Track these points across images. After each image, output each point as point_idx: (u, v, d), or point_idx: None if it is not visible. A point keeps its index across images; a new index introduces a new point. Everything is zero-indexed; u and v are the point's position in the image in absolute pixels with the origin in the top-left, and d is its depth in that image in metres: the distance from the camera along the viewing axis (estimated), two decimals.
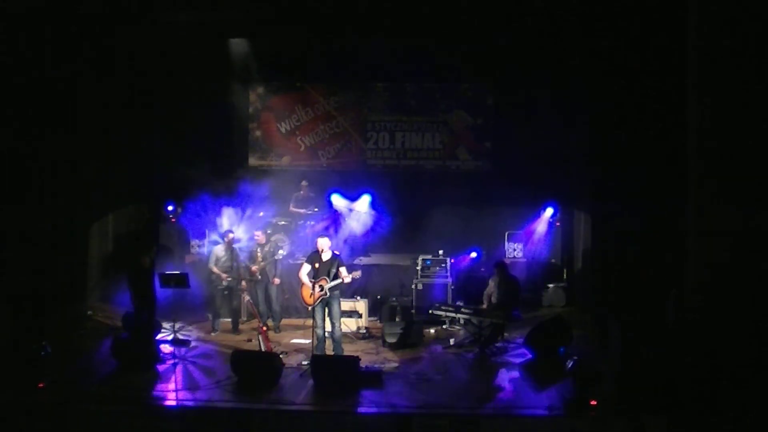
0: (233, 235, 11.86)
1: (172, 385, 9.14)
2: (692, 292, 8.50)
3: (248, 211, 13.15)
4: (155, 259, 10.96)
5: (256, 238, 11.93)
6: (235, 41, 13.49)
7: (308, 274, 9.96)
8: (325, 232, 12.00)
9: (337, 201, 13.59)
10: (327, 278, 9.80)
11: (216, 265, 11.52)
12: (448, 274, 12.61)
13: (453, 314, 11.37)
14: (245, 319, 12.46)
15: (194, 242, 13.52)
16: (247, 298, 11.93)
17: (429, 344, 11.09)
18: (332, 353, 9.94)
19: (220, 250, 11.65)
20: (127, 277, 10.71)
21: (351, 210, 13.54)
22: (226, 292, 11.62)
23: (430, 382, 9.28)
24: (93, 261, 13.47)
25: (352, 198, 13.61)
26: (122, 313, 11.81)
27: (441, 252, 12.70)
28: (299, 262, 11.20)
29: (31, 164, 11.00)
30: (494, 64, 13.83)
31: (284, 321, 12.20)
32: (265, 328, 10.32)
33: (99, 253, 13.56)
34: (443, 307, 11.46)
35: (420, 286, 12.47)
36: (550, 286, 13.59)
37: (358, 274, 10.14)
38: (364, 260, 13.10)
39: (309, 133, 14.93)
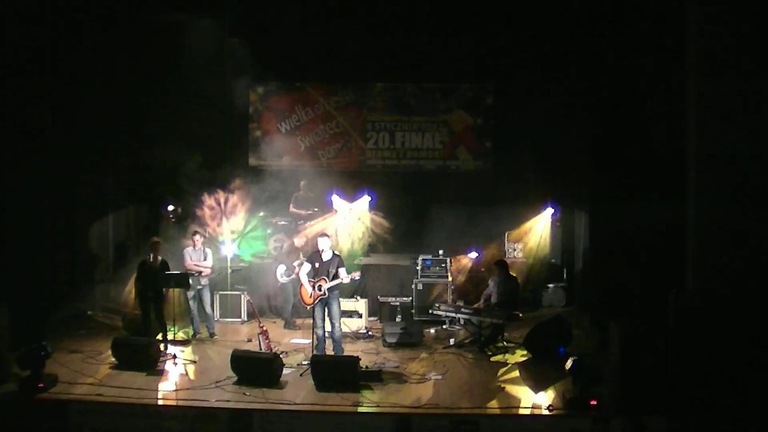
0: (199, 236, 11.47)
1: (172, 385, 9.16)
2: (692, 293, 8.50)
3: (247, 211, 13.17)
4: (165, 258, 10.92)
5: (296, 242, 11.96)
6: (235, 41, 13.49)
7: (308, 274, 9.97)
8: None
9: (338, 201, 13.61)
10: (326, 278, 9.80)
11: (191, 264, 11.20)
12: (449, 274, 12.61)
13: (453, 314, 11.37)
14: (245, 319, 12.48)
15: None
16: (247, 298, 11.95)
17: (429, 344, 11.09)
18: (332, 353, 9.94)
19: (191, 251, 11.29)
20: (136, 277, 10.71)
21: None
22: (194, 294, 11.31)
23: (430, 382, 9.28)
24: (93, 261, 13.48)
25: (352, 198, 13.60)
26: (122, 313, 11.85)
27: (441, 252, 12.69)
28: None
29: (30, 164, 11.00)
30: (494, 64, 13.82)
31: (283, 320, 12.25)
32: (265, 328, 10.32)
33: (99, 253, 13.56)
34: (443, 307, 11.46)
35: (420, 286, 12.47)
36: (550, 286, 13.61)
37: (357, 274, 10.14)
38: (364, 260, 13.10)
39: (309, 133, 14.93)
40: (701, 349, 8.08)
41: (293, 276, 11.52)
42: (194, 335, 11.34)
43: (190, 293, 11.21)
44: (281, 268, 11.80)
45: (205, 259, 11.33)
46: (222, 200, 13.07)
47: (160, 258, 10.70)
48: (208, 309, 11.41)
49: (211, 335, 11.36)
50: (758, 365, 7.97)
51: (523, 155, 13.82)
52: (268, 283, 12.50)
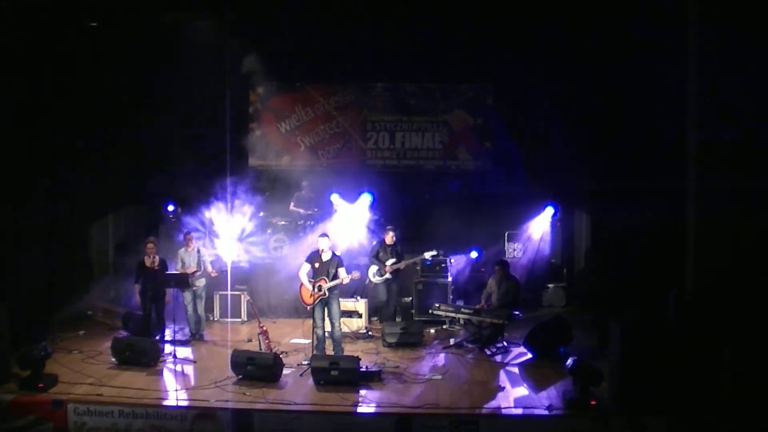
0: (194, 235, 11.42)
1: (172, 385, 9.15)
2: (692, 292, 8.50)
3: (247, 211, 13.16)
4: (162, 258, 10.91)
5: (385, 237, 11.78)
6: (235, 41, 13.48)
7: (308, 274, 9.97)
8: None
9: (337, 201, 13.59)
10: (326, 278, 9.80)
11: (182, 269, 11.08)
12: (448, 274, 12.61)
13: (453, 314, 11.36)
14: (245, 319, 12.49)
15: None
16: (247, 298, 11.94)
17: (429, 344, 11.09)
18: (332, 353, 9.94)
19: (183, 253, 11.21)
20: (135, 277, 10.72)
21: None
22: (192, 296, 11.23)
23: (430, 382, 9.28)
24: (93, 261, 13.49)
25: (352, 198, 13.58)
26: (122, 313, 11.85)
27: (441, 252, 12.67)
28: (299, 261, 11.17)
29: (31, 164, 11.01)
30: (494, 64, 13.81)
31: (283, 320, 12.25)
32: (265, 328, 10.32)
33: (99, 253, 13.55)
34: (443, 307, 11.45)
35: (420, 286, 12.47)
36: (550, 286, 13.60)
37: (357, 275, 10.14)
38: (363, 261, 13.09)
39: (309, 133, 14.92)
40: (701, 348, 8.09)
41: (387, 276, 11.52)
42: (193, 335, 11.34)
43: (189, 295, 11.19)
44: (373, 269, 11.68)
45: (199, 262, 11.22)
46: (221, 200, 13.06)
47: (158, 258, 10.68)
48: (200, 310, 11.40)
49: (200, 336, 11.36)
50: (758, 365, 7.98)
51: (523, 155, 13.82)
52: (270, 283, 12.51)
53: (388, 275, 11.56)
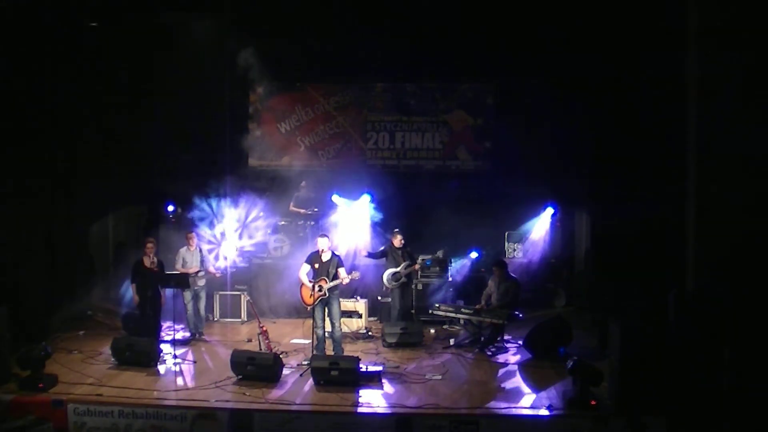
0: (193, 235, 11.46)
1: (172, 385, 9.15)
2: (692, 292, 8.50)
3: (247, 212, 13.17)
4: (160, 258, 10.91)
5: (393, 241, 11.67)
6: (235, 41, 13.48)
7: (308, 275, 9.97)
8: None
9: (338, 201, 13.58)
10: (326, 278, 9.80)
11: (183, 268, 11.15)
12: (449, 274, 12.60)
13: (453, 314, 11.36)
14: (245, 319, 12.49)
15: None
16: (247, 298, 11.94)
17: (429, 344, 11.09)
18: (332, 353, 9.94)
19: (185, 252, 11.26)
20: (131, 277, 10.72)
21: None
22: (192, 295, 11.27)
23: (430, 382, 9.28)
24: (93, 261, 13.48)
25: (352, 198, 13.58)
26: (122, 313, 11.85)
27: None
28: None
29: (31, 164, 11.00)
30: (494, 64, 13.82)
31: (283, 320, 12.24)
32: (265, 328, 10.32)
33: (99, 253, 13.54)
34: (443, 307, 11.45)
35: (420, 286, 12.47)
36: (550, 286, 13.58)
37: (357, 275, 10.15)
38: (364, 261, 13.09)
39: (309, 133, 14.93)
40: (701, 348, 8.09)
41: (402, 279, 11.45)
42: (193, 335, 11.35)
43: (189, 294, 11.20)
44: (387, 274, 11.58)
45: (202, 261, 11.28)
46: (221, 200, 13.07)
47: (156, 259, 10.69)
48: (200, 310, 11.41)
49: (200, 335, 11.37)
50: (758, 365, 7.97)
51: (523, 155, 13.82)
52: (269, 283, 12.50)
53: (404, 279, 11.50)
